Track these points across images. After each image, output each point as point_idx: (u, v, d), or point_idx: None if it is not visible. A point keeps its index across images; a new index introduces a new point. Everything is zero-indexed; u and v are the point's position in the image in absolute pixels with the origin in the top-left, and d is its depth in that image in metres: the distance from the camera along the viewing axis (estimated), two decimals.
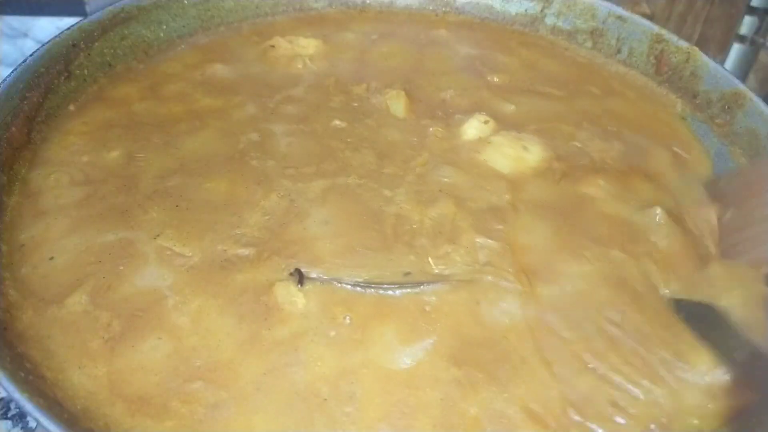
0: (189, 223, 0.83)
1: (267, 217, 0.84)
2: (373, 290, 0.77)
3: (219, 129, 0.97)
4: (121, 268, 0.78)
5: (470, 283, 0.78)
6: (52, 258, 0.79)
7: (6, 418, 0.89)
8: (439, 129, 0.99)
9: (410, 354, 0.72)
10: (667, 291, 0.81)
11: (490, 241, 0.83)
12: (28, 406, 0.62)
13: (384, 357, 0.72)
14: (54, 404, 0.66)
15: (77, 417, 0.66)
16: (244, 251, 0.80)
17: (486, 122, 0.99)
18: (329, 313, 0.75)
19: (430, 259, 0.80)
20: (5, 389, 0.63)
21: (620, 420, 0.69)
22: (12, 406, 0.90)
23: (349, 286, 0.77)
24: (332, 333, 0.73)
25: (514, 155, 0.95)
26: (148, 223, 0.83)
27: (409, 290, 0.77)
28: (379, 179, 0.90)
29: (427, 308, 0.76)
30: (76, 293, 0.76)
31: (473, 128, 0.98)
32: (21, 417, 0.89)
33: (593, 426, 0.68)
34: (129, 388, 0.68)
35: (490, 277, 0.79)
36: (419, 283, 0.77)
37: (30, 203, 0.86)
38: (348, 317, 0.75)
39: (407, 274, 0.79)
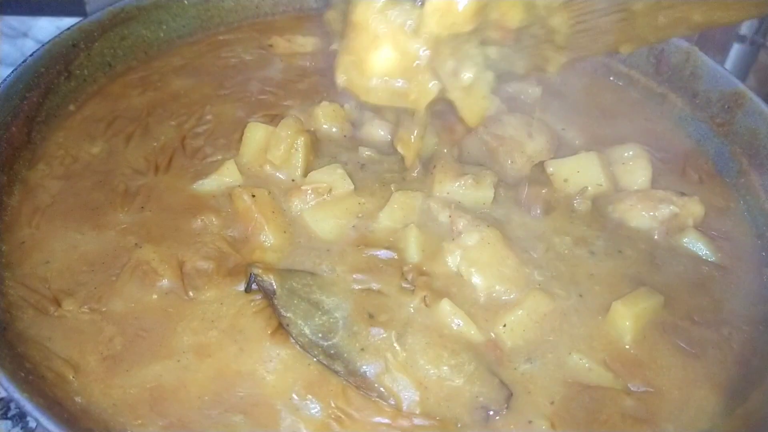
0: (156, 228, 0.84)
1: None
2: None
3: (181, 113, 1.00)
4: (113, 279, 0.78)
5: None
6: (47, 262, 0.80)
7: (6, 418, 0.89)
8: None
9: None
10: None
11: None
12: (28, 406, 0.62)
13: None
14: (54, 404, 0.66)
15: (77, 417, 0.66)
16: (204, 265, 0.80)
17: None
18: None
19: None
20: (5, 389, 0.63)
21: None
22: (12, 406, 0.90)
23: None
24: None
25: None
26: (124, 228, 0.83)
27: None
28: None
29: None
30: (69, 300, 0.76)
31: None
32: (21, 417, 0.89)
33: None
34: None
35: None
36: None
37: (28, 202, 0.86)
38: None
39: None
